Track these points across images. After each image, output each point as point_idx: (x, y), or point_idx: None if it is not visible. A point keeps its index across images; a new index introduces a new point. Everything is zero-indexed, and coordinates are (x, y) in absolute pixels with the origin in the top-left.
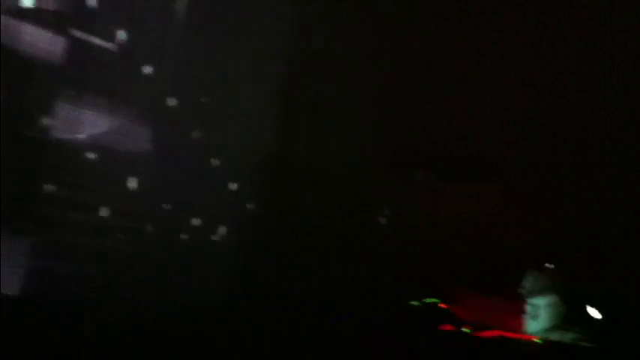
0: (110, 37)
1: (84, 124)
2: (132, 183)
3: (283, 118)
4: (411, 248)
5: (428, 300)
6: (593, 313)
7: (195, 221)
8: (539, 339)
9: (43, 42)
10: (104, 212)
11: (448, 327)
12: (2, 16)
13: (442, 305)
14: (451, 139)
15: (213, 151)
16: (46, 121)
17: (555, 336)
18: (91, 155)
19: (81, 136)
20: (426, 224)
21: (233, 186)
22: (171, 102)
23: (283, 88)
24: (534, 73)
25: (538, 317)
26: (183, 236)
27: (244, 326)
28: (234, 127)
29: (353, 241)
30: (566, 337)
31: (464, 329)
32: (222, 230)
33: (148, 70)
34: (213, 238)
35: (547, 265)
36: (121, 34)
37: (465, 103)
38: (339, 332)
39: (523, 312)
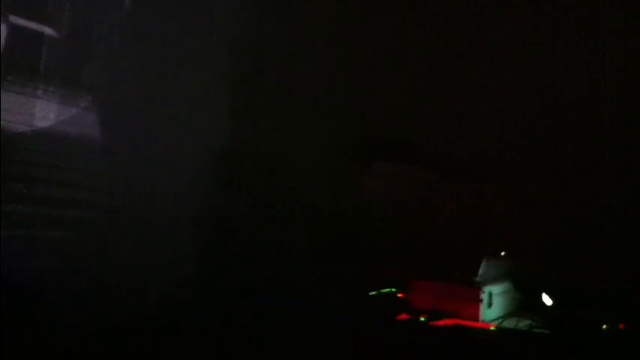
0: (58, 23)
1: (33, 113)
2: (86, 174)
3: (244, 108)
4: (372, 239)
5: (386, 290)
6: (546, 300)
7: (153, 214)
8: (494, 326)
9: None
10: (60, 204)
11: (405, 316)
12: None
13: (399, 295)
14: (415, 129)
15: (172, 142)
16: None
17: (509, 323)
18: (43, 146)
19: (29, 126)
20: (387, 215)
21: (192, 178)
22: (126, 90)
23: (243, 79)
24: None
25: (492, 305)
26: (141, 230)
27: (209, 319)
28: (193, 117)
29: (316, 232)
30: (520, 324)
31: (420, 318)
32: (181, 222)
33: (100, 56)
34: (172, 230)
35: (501, 253)
36: (69, 20)
37: (437, 93)
38: (303, 322)
39: (478, 300)
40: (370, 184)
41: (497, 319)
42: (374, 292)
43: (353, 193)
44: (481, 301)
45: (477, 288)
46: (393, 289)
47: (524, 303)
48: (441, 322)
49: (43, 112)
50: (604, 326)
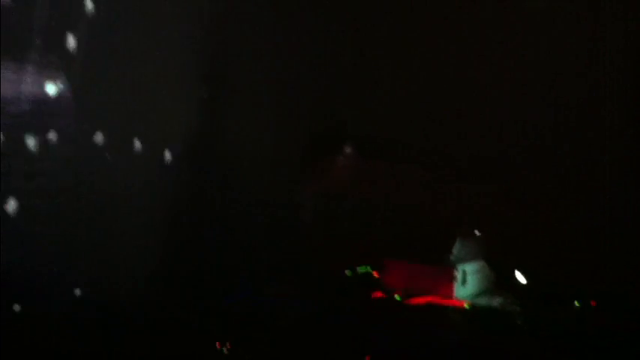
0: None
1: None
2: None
3: (197, 104)
4: (338, 223)
5: (361, 269)
6: (520, 278)
7: (108, 207)
8: (468, 304)
9: None
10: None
11: (379, 294)
12: None
13: (374, 274)
14: (372, 120)
15: (126, 137)
16: None
17: (483, 301)
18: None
19: None
20: (353, 200)
21: (145, 175)
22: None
23: (198, 73)
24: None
25: (466, 283)
26: (100, 222)
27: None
28: (146, 113)
29: (276, 227)
30: (494, 301)
31: (395, 296)
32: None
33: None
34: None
35: (475, 231)
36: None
37: (402, 84)
38: (270, 311)
39: (452, 278)
40: (331, 175)
41: (471, 296)
42: (349, 272)
43: (314, 183)
44: (455, 279)
45: (451, 266)
46: (368, 268)
47: (497, 281)
48: (416, 300)
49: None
50: (576, 303)
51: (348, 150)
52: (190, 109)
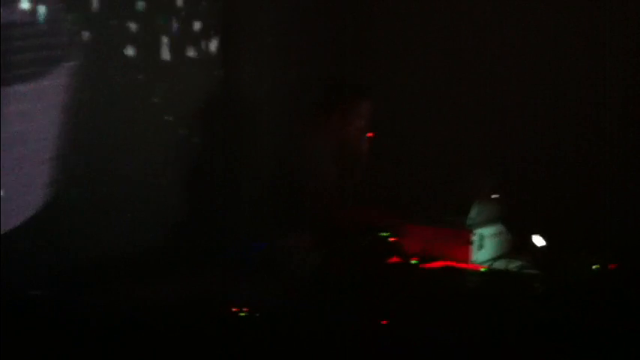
0: None
1: None
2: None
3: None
4: (350, 184)
5: (380, 234)
6: (538, 240)
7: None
8: (485, 268)
9: None
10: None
11: (396, 259)
12: None
13: (391, 239)
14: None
15: (151, 89)
16: None
17: (500, 264)
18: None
19: None
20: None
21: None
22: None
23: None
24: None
25: (484, 247)
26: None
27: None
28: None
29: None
30: (511, 265)
31: (412, 261)
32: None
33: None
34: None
35: (492, 195)
36: None
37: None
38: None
39: (469, 242)
40: (346, 131)
41: (488, 261)
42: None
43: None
44: (472, 243)
45: (468, 230)
46: (386, 234)
47: (515, 245)
48: (433, 265)
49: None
50: (594, 266)
51: (362, 104)
52: (199, 66)
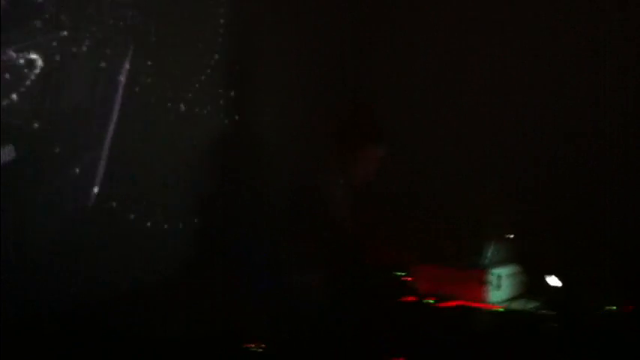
0: None
1: None
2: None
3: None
4: (365, 221)
5: (396, 274)
6: (553, 281)
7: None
8: (502, 308)
9: None
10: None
11: (411, 299)
12: None
13: (406, 278)
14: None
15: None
16: None
17: (517, 305)
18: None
19: None
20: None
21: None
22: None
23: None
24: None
25: (500, 287)
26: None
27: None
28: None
29: (302, 216)
30: (528, 305)
31: (427, 300)
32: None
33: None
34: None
35: (508, 235)
36: None
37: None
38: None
39: (485, 282)
40: (361, 168)
41: (505, 301)
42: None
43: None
44: (488, 283)
45: (484, 270)
46: (399, 273)
47: (531, 285)
48: (448, 304)
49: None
50: (610, 308)
51: (376, 141)
52: (215, 106)
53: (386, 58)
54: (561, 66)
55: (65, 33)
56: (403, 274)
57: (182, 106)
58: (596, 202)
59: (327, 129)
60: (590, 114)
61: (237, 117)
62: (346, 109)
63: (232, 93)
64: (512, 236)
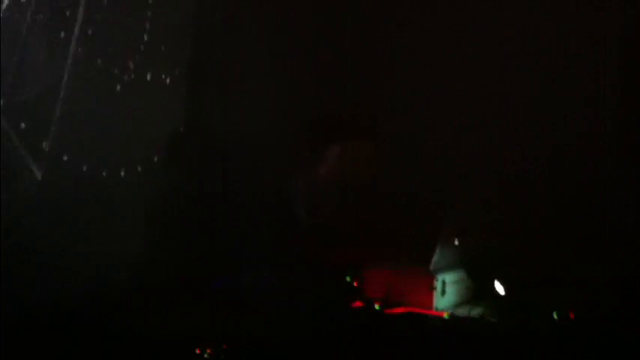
0: None
1: None
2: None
3: (190, 93)
4: (324, 225)
5: (346, 277)
6: (499, 288)
7: (99, 199)
8: (447, 314)
9: None
10: None
11: (359, 304)
12: None
13: (353, 282)
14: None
15: (117, 125)
16: None
17: (462, 311)
18: None
19: None
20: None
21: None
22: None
23: (188, 62)
24: None
25: (446, 293)
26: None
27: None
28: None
29: (265, 218)
30: (473, 312)
31: (374, 306)
32: (127, 211)
33: None
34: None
35: (455, 240)
36: None
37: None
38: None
39: (432, 288)
40: (324, 167)
41: (451, 307)
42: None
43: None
44: (435, 289)
45: (431, 276)
46: (348, 277)
47: (476, 292)
48: (395, 310)
49: None
50: (554, 314)
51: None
52: (180, 103)
53: (361, 56)
54: (559, 69)
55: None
56: (353, 277)
57: (142, 103)
58: (559, 203)
59: (302, 129)
60: (580, 116)
61: (200, 116)
62: (322, 108)
63: (197, 93)
64: (459, 241)
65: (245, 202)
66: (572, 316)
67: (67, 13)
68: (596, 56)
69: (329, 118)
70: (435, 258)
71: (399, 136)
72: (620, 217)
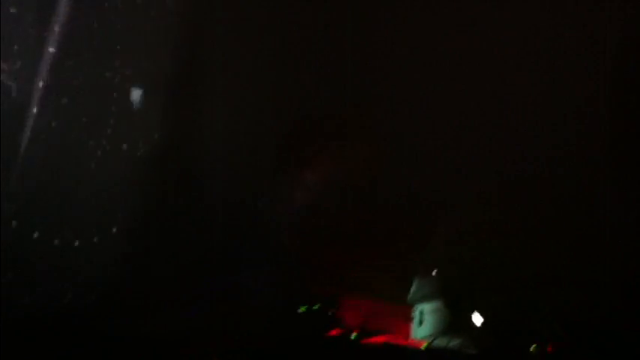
0: None
1: None
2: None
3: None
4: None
5: (314, 306)
6: (476, 319)
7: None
8: (424, 345)
9: None
10: None
11: (335, 332)
12: None
13: (328, 311)
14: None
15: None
16: None
17: (440, 342)
18: None
19: None
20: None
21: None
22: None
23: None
24: None
25: (424, 323)
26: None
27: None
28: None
29: (240, 234)
30: (450, 342)
31: (351, 335)
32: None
33: None
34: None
35: (433, 271)
36: None
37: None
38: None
39: (409, 318)
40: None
41: (428, 337)
42: (302, 308)
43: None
44: (412, 319)
45: (408, 306)
46: (318, 306)
47: (453, 322)
48: (372, 340)
49: None
50: (532, 348)
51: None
52: (160, 108)
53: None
54: (558, 70)
55: None
56: (328, 306)
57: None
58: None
59: (285, 134)
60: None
61: (178, 124)
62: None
63: (176, 99)
64: (436, 272)
65: (238, 204)
66: (549, 350)
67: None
68: (596, 56)
69: (319, 119)
70: (413, 288)
71: (399, 136)
72: (620, 217)
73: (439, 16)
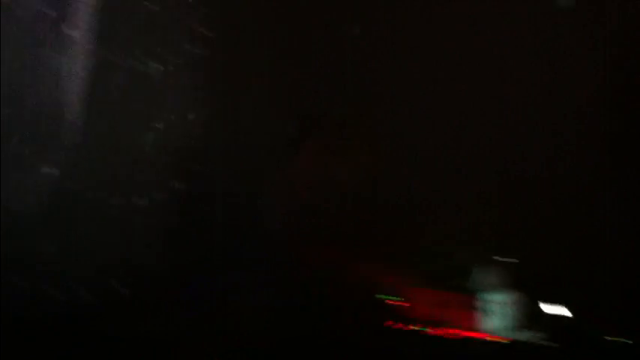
0: None
1: None
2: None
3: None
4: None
5: (386, 297)
6: (549, 309)
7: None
8: (493, 337)
9: None
10: None
11: (400, 325)
12: None
13: (391, 302)
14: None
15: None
16: None
17: (510, 334)
18: None
19: None
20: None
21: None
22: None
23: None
24: None
25: (493, 314)
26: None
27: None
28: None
29: (240, 234)
30: (522, 334)
31: (414, 327)
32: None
33: None
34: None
35: (500, 259)
36: None
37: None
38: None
39: (477, 308)
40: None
41: (499, 329)
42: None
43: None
44: (481, 310)
45: (476, 296)
46: (385, 296)
47: (527, 312)
48: (438, 331)
49: None
50: (608, 337)
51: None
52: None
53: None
54: (558, 71)
55: None
56: (389, 296)
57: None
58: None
59: (287, 130)
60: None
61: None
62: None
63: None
64: (505, 259)
65: (237, 203)
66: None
67: None
68: (596, 56)
69: (319, 118)
70: (474, 276)
71: (399, 136)
72: (619, 217)
73: (439, 16)
